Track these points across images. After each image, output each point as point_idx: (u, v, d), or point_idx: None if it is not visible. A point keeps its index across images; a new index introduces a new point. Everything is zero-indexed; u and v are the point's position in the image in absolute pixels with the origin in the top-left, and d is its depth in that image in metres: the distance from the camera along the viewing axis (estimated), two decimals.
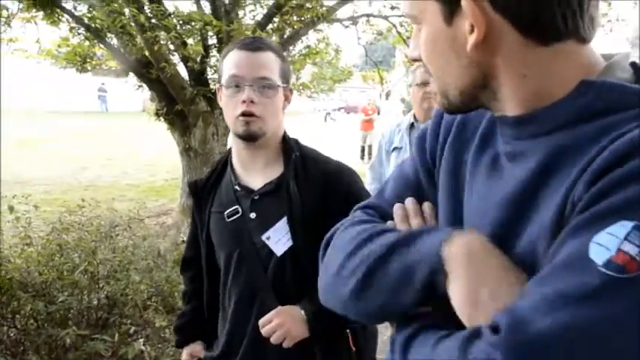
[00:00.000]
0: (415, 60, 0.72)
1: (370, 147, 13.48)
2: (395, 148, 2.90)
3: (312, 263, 0.90)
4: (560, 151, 0.60)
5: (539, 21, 0.59)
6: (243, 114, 1.36)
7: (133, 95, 18.38)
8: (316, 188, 1.38)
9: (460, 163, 0.76)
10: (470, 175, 0.73)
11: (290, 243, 1.37)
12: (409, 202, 0.80)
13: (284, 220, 1.37)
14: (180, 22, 6.14)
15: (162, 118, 6.52)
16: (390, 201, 0.83)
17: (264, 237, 1.38)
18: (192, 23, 6.12)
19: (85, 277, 2.79)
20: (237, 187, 1.45)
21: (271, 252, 1.38)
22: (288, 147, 1.45)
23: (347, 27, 8.22)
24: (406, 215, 0.79)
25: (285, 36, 6.85)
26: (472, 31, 0.61)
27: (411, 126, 2.86)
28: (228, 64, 1.39)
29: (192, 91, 6.13)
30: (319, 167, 1.43)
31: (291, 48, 7.15)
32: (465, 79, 0.65)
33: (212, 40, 6.52)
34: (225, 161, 1.53)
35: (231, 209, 1.44)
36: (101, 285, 2.84)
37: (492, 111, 0.69)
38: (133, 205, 4.52)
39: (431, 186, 0.81)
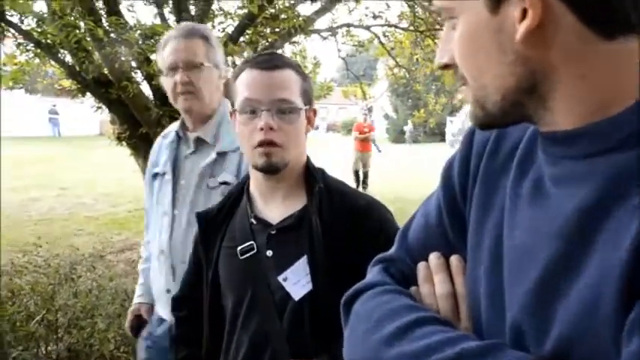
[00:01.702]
0: (445, 67, 0.68)
1: (366, 174, 12.30)
2: (155, 175, 2.02)
3: (334, 311, 0.85)
4: (624, 173, 0.55)
5: (608, 6, 0.55)
6: (262, 143, 1.32)
7: (89, 117, 18.23)
8: (342, 225, 1.33)
9: (496, 192, 0.71)
10: (510, 205, 0.67)
11: (310, 286, 1.31)
12: (433, 258, 0.78)
13: (304, 259, 1.32)
14: (143, 35, 6.08)
15: (124, 143, 6.40)
16: (412, 251, 0.81)
17: (280, 278, 1.33)
18: (157, 37, 6.07)
19: (42, 326, 2.69)
20: (252, 220, 1.40)
21: (288, 296, 1.32)
22: (312, 177, 1.40)
23: (325, 38, 8.28)
24: (430, 274, 0.76)
25: (259, 49, 6.85)
26: (523, 17, 0.56)
27: (178, 138, 2.00)
28: (241, 86, 1.35)
29: (157, 112, 6.04)
30: (347, 201, 1.38)
31: None
32: (508, 79, 0.60)
33: None
34: (242, 189, 1.48)
35: (245, 245, 1.38)
36: (61, 335, 2.74)
37: (537, 124, 0.63)
38: (93, 240, 4.38)
39: (457, 230, 0.76)
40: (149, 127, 6.05)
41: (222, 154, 1.88)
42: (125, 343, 2.81)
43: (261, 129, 1.31)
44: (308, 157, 1.45)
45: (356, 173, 12.33)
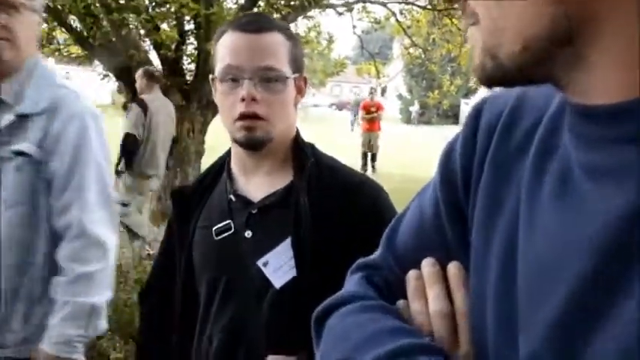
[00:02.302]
0: (451, 1, 0.53)
1: (375, 155, 11.92)
2: None
3: (319, 300, 0.72)
4: None
5: None
6: (243, 116, 1.19)
7: (100, 86, 18.17)
8: (333, 203, 1.21)
9: (509, 182, 0.55)
10: (527, 202, 0.52)
11: (293, 272, 1.19)
12: (426, 265, 0.62)
13: (288, 242, 1.20)
14: (153, 3, 5.97)
15: None
16: (401, 255, 0.66)
17: (260, 262, 1.20)
18: (167, 5, 5.95)
19: None
20: (232, 197, 1.28)
21: (269, 282, 1.20)
22: (301, 152, 1.27)
23: (341, 14, 8.09)
24: (423, 286, 0.61)
25: None
26: None
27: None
28: (222, 50, 1.22)
29: (165, 83, 5.96)
30: (338, 179, 1.26)
31: None
32: (537, 23, 0.44)
33: (189, 26, 6.38)
34: (222, 165, 1.35)
35: (221, 224, 1.26)
36: None
37: (566, 91, 0.47)
38: None
39: (458, 230, 0.61)
40: None
41: (23, 118, 1.47)
42: (112, 320, 2.73)
43: (243, 100, 1.18)
44: (297, 131, 1.32)
45: (364, 154, 11.96)
